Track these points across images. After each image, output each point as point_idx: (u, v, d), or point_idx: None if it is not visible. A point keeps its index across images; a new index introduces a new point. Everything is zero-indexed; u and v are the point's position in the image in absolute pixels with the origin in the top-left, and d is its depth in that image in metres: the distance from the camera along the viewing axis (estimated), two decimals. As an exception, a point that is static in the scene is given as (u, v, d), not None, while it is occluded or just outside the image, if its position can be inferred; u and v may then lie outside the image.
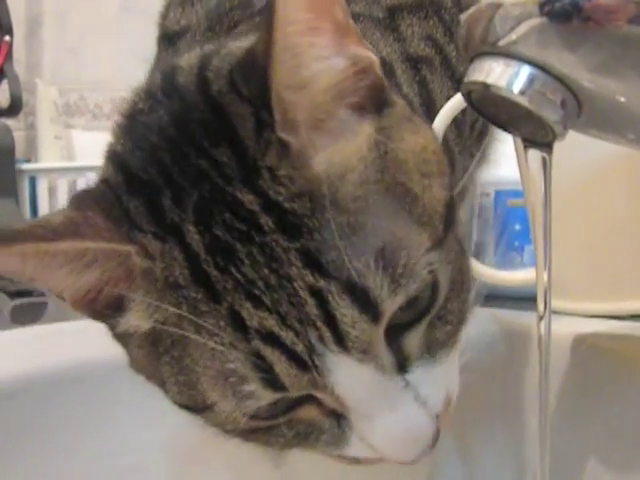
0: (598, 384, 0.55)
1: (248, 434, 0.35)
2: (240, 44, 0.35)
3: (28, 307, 1.06)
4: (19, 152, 1.19)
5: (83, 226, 0.31)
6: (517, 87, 0.30)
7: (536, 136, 0.32)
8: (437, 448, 0.33)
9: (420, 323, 0.33)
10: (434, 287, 0.32)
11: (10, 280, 1.12)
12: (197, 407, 0.34)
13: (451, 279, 0.33)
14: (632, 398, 0.52)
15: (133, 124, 0.36)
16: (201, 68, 0.34)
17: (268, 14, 0.29)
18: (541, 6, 0.28)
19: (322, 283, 0.29)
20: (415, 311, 0.32)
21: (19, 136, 1.21)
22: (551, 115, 0.30)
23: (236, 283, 0.30)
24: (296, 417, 0.33)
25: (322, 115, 0.32)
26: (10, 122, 1.12)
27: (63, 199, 1.17)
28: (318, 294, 0.30)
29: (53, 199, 1.16)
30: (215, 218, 0.31)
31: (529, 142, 0.32)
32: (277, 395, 0.31)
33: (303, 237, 0.30)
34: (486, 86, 0.31)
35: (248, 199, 0.30)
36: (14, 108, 1.08)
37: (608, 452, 0.53)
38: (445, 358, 0.34)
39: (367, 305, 0.30)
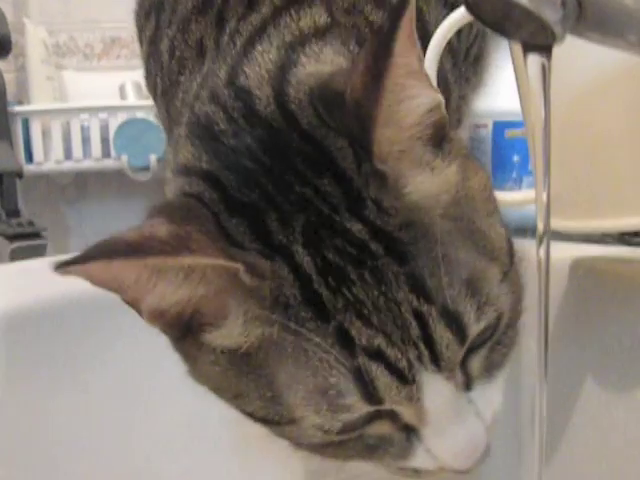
0: (595, 307, 0.55)
1: (320, 448, 0.37)
2: (309, 70, 0.37)
3: (27, 249, 1.07)
4: (10, 95, 1.17)
5: (189, 241, 0.31)
6: (516, -13, 0.29)
7: (535, 40, 0.31)
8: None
9: (484, 347, 0.35)
10: (498, 316, 0.35)
11: (8, 223, 1.12)
12: (280, 421, 0.35)
13: (512, 307, 0.36)
14: (629, 319, 0.52)
15: (217, 145, 0.37)
16: (281, 101, 0.36)
17: (381, 58, 0.31)
18: None
19: (425, 307, 0.32)
20: (482, 337, 0.35)
21: (10, 78, 1.19)
22: (551, 15, 0.29)
23: (347, 303, 0.32)
24: (367, 432, 0.35)
25: (408, 148, 0.34)
26: (0, 64, 1.10)
27: (57, 141, 1.16)
28: (420, 317, 0.32)
29: (47, 141, 1.15)
30: (325, 242, 0.32)
31: (528, 47, 0.32)
32: (371, 408, 0.33)
33: (409, 264, 0.32)
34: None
35: (357, 227, 0.32)
36: (3, 48, 1.06)
37: (605, 372, 0.54)
38: (499, 376, 0.37)
39: (458, 329, 0.32)
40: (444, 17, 0.52)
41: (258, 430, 0.37)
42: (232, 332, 0.34)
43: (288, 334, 0.32)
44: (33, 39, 1.17)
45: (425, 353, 0.32)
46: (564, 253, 0.57)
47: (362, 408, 0.33)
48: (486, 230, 0.35)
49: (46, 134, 1.16)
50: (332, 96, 0.34)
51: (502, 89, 0.70)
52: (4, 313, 0.53)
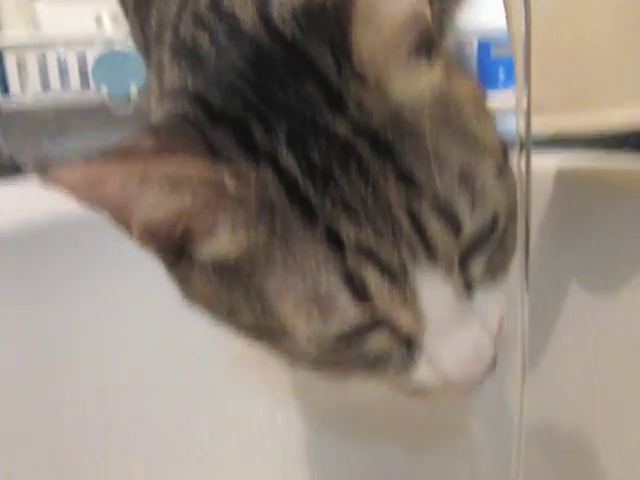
0: (579, 212, 0.55)
1: (317, 364, 0.36)
2: None
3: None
4: (-18, 28, 1.13)
5: (175, 152, 0.32)
6: None
7: None
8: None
9: (483, 249, 0.35)
10: (494, 215, 0.34)
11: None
12: (273, 334, 0.35)
13: (507, 208, 0.35)
14: (613, 223, 0.53)
15: (203, 65, 0.36)
16: (265, 19, 0.36)
17: None
18: None
19: (415, 200, 0.32)
20: (479, 238, 0.34)
21: (-20, 10, 1.15)
22: None
23: (334, 203, 0.32)
24: (366, 348, 0.35)
25: (391, 52, 0.34)
26: (-31, -5, 1.06)
27: (34, 75, 1.13)
28: (411, 210, 0.32)
29: (23, 74, 1.12)
30: (309, 144, 0.32)
31: None
32: (365, 312, 0.33)
33: (395, 159, 0.32)
34: None
35: (340, 128, 0.32)
36: (-30, -22, 1.02)
37: (590, 275, 0.55)
38: (501, 283, 0.36)
39: (452, 221, 0.32)
40: None
41: (254, 349, 0.37)
42: (221, 243, 0.34)
43: (275, 239, 0.32)
44: (2, -32, 1.12)
45: (419, 247, 0.32)
46: (548, 162, 0.57)
47: (354, 313, 0.32)
48: (477, 131, 0.35)
49: (21, 67, 1.13)
50: (314, 8, 0.34)
51: (487, 4, 0.69)
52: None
